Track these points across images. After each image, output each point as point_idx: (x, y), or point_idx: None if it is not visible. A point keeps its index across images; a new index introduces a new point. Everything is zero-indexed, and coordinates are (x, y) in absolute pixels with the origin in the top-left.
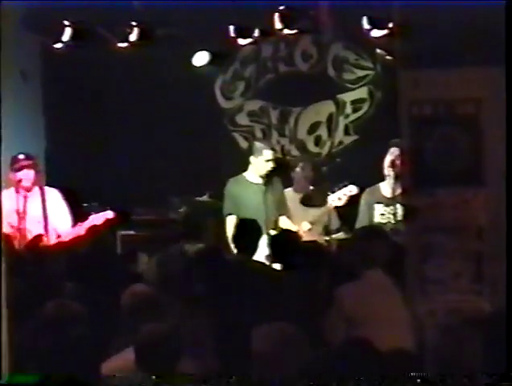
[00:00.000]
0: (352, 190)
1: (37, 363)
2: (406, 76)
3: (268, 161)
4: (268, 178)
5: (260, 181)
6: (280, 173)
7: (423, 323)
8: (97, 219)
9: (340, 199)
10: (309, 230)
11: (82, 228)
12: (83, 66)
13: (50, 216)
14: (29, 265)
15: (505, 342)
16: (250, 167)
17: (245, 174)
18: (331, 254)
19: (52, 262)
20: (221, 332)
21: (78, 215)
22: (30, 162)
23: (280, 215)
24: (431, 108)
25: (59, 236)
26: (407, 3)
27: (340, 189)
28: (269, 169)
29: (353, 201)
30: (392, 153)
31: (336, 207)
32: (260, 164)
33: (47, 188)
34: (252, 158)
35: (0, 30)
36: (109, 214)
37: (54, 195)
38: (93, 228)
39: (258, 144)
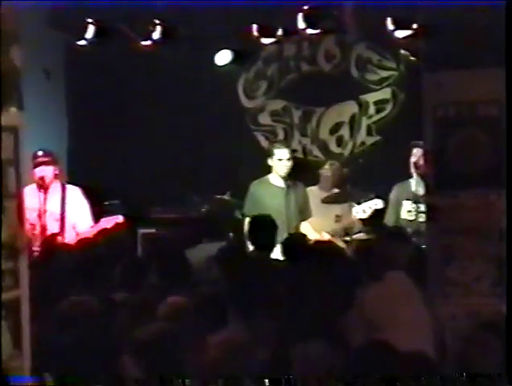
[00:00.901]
0: (377, 203)
1: (54, 362)
2: (429, 78)
3: (280, 160)
4: (291, 181)
5: (283, 184)
6: (304, 176)
7: (444, 326)
8: (108, 222)
9: (364, 211)
10: (330, 235)
11: (93, 231)
12: (106, 64)
13: (68, 214)
14: (45, 263)
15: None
16: (273, 169)
17: (269, 176)
18: (349, 255)
19: (67, 260)
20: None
21: (98, 214)
22: (48, 158)
23: (302, 220)
24: (454, 110)
25: (77, 235)
26: (431, 3)
27: (365, 201)
28: (285, 170)
29: (378, 214)
30: (414, 155)
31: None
32: (276, 165)
33: (68, 186)
34: (269, 161)
35: (0, 30)
36: (119, 218)
37: (75, 193)
38: (103, 232)
39: (274, 145)
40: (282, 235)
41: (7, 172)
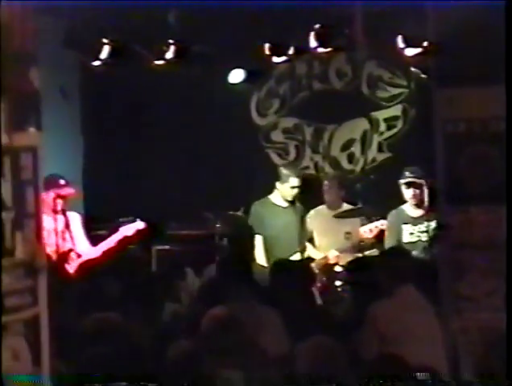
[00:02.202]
0: (384, 224)
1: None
2: (440, 94)
3: (294, 188)
4: (292, 203)
5: (285, 204)
6: (305, 197)
7: (456, 340)
8: (128, 230)
9: (371, 231)
10: (339, 251)
11: (112, 241)
12: (120, 83)
13: (74, 235)
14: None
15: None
16: (276, 191)
17: (270, 196)
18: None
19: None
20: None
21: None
22: (71, 192)
23: (304, 240)
24: (464, 126)
25: (79, 256)
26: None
27: (372, 221)
28: (294, 195)
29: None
30: (407, 179)
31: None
32: (285, 190)
33: (68, 212)
34: (278, 184)
35: (0, 30)
36: (140, 225)
37: (75, 218)
38: (125, 240)
39: (284, 170)
40: (289, 253)
41: (26, 192)
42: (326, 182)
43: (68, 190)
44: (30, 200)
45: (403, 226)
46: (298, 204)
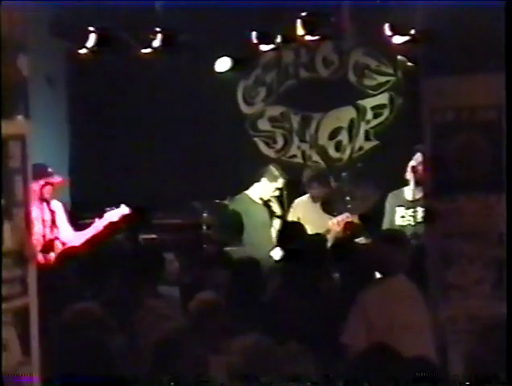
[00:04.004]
0: (349, 216)
1: (60, 370)
2: (428, 83)
3: (277, 189)
4: (266, 205)
5: (260, 202)
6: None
7: (445, 329)
8: (113, 215)
9: (339, 224)
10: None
11: (98, 226)
12: (107, 71)
13: (58, 223)
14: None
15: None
16: (256, 185)
17: (247, 192)
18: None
19: (70, 266)
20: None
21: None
22: (49, 171)
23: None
24: (453, 115)
25: (63, 244)
26: (429, 3)
27: (339, 214)
28: (273, 196)
29: (350, 227)
30: (415, 159)
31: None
32: (268, 189)
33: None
34: (264, 180)
35: (0, 30)
36: (125, 210)
37: (58, 206)
38: (110, 226)
39: (274, 170)
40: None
41: (15, 181)
42: (306, 180)
43: (56, 179)
44: (19, 189)
45: (397, 208)
46: (274, 206)
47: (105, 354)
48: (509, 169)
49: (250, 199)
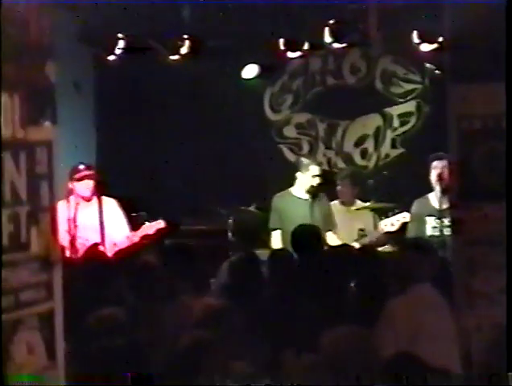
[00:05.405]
0: (405, 216)
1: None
2: (455, 90)
3: (315, 176)
4: (314, 193)
5: (306, 196)
6: (326, 187)
7: (471, 337)
8: (150, 228)
9: (393, 224)
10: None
11: (136, 237)
12: (135, 78)
13: (107, 225)
14: (85, 274)
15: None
16: (297, 182)
17: (291, 189)
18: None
19: (108, 271)
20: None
21: (133, 224)
22: (90, 172)
23: (327, 230)
24: (479, 123)
25: (115, 245)
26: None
27: (394, 214)
28: (315, 184)
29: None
30: (436, 167)
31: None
32: (307, 179)
33: (104, 198)
34: (299, 174)
35: (0, 30)
36: (161, 223)
37: (111, 204)
38: (145, 237)
39: (304, 160)
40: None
41: (41, 186)
42: (340, 179)
43: (85, 172)
44: (45, 194)
45: (427, 218)
46: (322, 194)
47: (131, 359)
48: (509, 177)
49: (292, 195)
